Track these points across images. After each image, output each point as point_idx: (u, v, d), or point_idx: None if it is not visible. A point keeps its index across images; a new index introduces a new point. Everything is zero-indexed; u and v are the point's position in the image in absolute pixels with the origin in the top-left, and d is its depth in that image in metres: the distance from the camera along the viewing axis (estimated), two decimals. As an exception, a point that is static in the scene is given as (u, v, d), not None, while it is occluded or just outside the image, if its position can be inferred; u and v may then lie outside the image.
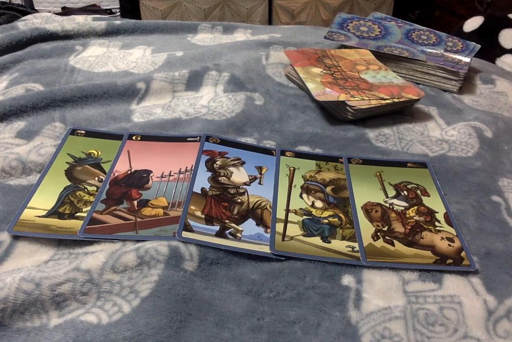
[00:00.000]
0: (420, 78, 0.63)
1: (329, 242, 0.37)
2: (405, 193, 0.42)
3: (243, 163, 0.44)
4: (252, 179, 0.42)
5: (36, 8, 1.41)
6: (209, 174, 0.42)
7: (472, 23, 0.85)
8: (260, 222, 0.38)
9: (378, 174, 0.45)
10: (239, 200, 0.40)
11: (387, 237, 0.37)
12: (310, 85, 0.54)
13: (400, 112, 0.55)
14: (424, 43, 0.66)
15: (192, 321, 0.30)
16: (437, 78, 0.62)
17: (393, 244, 0.37)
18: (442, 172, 0.46)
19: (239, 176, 0.42)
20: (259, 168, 0.44)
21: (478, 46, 0.66)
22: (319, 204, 0.40)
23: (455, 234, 0.38)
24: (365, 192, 0.42)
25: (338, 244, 0.36)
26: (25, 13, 0.81)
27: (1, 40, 0.63)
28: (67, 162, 0.42)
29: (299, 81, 0.58)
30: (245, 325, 0.30)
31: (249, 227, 0.37)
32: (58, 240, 0.35)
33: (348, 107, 0.51)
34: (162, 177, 0.41)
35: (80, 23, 0.69)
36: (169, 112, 0.52)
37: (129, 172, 0.42)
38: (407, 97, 0.53)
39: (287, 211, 0.39)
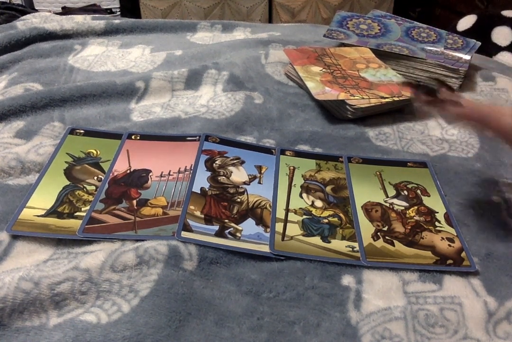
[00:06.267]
0: (420, 76, 0.62)
1: (329, 242, 0.36)
2: (405, 192, 0.42)
3: (242, 162, 0.44)
4: (252, 178, 0.42)
5: (36, 8, 1.41)
6: (209, 173, 0.42)
7: (466, 22, 0.85)
8: (259, 221, 0.38)
9: (378, 173, 0.44)
10: (238, 200, 0.39)
11: (387, 237, 0.37)
12: (310, 84, 0.53)
13: (400, 111, 0.55)
14: (424, 41, 0.66)
15: (192, 320, 0.30)
16: (437, 76, 0.61)
17: (393, 244, 0.37)
18: (442, 171, 0.45)
19: (238, 175, 0.42)
20: (259, 168, 0.44)
21: (479, 43, 0.66)
22: (319, 203, 0.40)
23: (455, 234, 0.38)
24: (365, 192, 0.42)
25: (338, 244, 0.36)
26: (24, 13, 0.81)
27: (0, 40, 0.63)
28: (66, 162, 0.42)
29: (298, 80, 0.58)
30: (245, 324, 0.30)
31: (249, 226, 0.37)
32: (57, 239, 0.35)
33: (348, 106, 0.51)
34: (161, 176, 0.41)
35: (79, 23, 0.69)
36: (168, 112, 0.52)
37: (128, 171, 0.42)
38: (407, 96, 0.53)
39: (287, 210, 0.39)
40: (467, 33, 0.80)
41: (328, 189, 0.42)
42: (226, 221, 0.37)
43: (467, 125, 0.43)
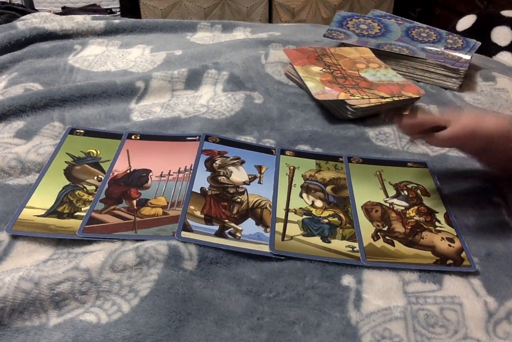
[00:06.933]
0: (420, 76, 0.62)
1: (329, 242, 0.36)
2: (405, 192, 0.42)
3: (242, 162, 0.44)
4: (252, 178, 0.42)
5: (36, 8, 1.41)
6: (209, 173, 0.42)
7: (465, 22, 0.85)
8: (259, 221, 0.38)
9: (378, 173, 0.44)
10: (238, 199, 0.39)
11: (387, 237, 0.37)
12: (310, 84, 0.53)
13: (400, 111, 0.55)
14: (424, 41, 0.66)
15: (192, 320, 0.30)
16: (438, 76, 0.62)
17: (393, 244, 0.37)
18: (442, 171, 0.45)
19: (238, 175, 0.42)
20: (259, 168, 0.44)
21: (479, 43, 0.66)
22: (319, 203, 0.40)
23: (455, 234, 0.38)
24: (365, 192, 0.42)
25: (338, 244, 0.36)
26: (24, 13, 0.81)
27: (0, 40, 0.63)
28: (66, 162, 0.42)
29: (298, 80, 0.58)
30: (245, 324, 0.30)
31: (249, 226, 0.37)
32: (57, 239, 0.35)
33: (348, 106, 0.51)
34: (161, 176, 0.41)
35: (79, 23, 0.69)
36: (168, 111, 0.52)
37: (128, 171, 0.42)
38: (407, 96, 0.53)
39: (287, 210, 0.39)
40: (466, 33, 0.80)
41: (328, 188, 0.42)
42: (226, 221, 0.37)
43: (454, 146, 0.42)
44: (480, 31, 0.80)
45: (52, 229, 0.35)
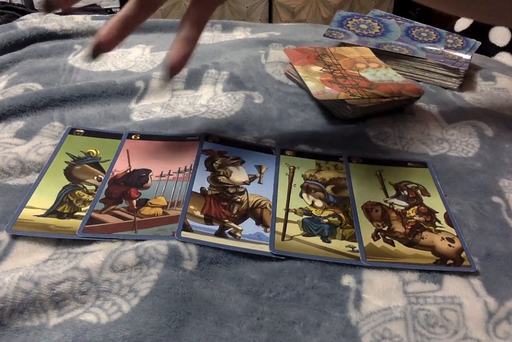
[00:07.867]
0: (420, 75, 0.62)
1: (329, 242, 0.36)
2: (405, 192, 0.42)
3: (242, 162, 0.44)
4: (252, 178, 0.42)
5: (36, 8, 1.41)
6: (209, 173, 0.42)
7: (463, 22, 0.85)
8: (259, 221, 0.38)
9: (378, 173, 0.44)
10: (238, 199, 0.39)
11: (387, 237, 0.37)
12: (310, 84, 0.53)
13: (400, 111, 0.55)
14: (424, 41, 0.66)
15: (192, 320, 0.30)
16: (438, 75, 0.62)
17: (393, 244, 0.37)
18: (442, 171, 0.45)
19: (238, 175, 0.42)
20: (259, 167, 0.44)
21: (479, 43, 0.66)
22: (319, 203, 0.40)
23: (456, 234, 0.38)
24: (365, 191, 0.42)
25: (338, 244, 0.36)
26: (24, 13, 0.81)
27: (0, 40, 0.63)
28: (66, 162, 0.42)
29: (298, 80, 0.58)
30: (245, 324, 0.30)
31: (249, 226, 0.37)
32: (57, 239, 0.35)
33: (347, 106, 0.51)
34: (161, 176, 0.41)
35: (79, 23, 0.69)
36: (168, 111, 0.52)
37: (128, 171, 0.42)
38: (407, 95, 0.53)
39: (287, 210, 0.39)
40: (464, 34, 0.80)
41: (328, 188, 0.42)
42: (226, 220, 0.37)
43: None
44: (478, 32, 0.80)
45: (52, 229, 0.35)
